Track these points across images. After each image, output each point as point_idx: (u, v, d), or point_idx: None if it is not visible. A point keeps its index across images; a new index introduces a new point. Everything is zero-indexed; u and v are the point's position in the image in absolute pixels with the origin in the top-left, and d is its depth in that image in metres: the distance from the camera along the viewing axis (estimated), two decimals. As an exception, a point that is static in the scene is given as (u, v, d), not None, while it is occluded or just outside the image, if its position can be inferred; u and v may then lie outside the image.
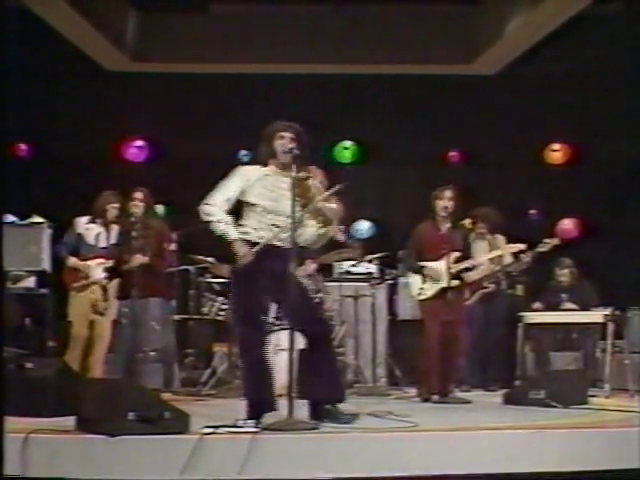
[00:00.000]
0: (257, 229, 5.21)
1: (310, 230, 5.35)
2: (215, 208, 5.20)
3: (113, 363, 7.42)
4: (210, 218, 5.20)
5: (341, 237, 5.37)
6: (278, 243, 5.16)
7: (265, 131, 5.34)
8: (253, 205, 5.23)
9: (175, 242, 7.70)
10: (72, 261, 7.47)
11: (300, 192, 5.14)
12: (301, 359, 5.09)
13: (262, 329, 5.30)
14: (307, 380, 5.12)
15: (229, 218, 5.22)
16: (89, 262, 7.43)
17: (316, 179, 5.27)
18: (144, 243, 7.22)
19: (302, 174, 5.16)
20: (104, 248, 7.49)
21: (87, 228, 7.52)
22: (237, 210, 5.31)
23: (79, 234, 7.53)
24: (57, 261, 7.90)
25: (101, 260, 7.44)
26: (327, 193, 5.22)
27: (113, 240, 7.54)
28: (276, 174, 5.27)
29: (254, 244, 5.15)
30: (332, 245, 7.61)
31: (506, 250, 7.96)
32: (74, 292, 7.46)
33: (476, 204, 8.54)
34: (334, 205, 5.26)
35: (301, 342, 5.22)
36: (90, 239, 7.51)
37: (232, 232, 5.16)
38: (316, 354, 5.21)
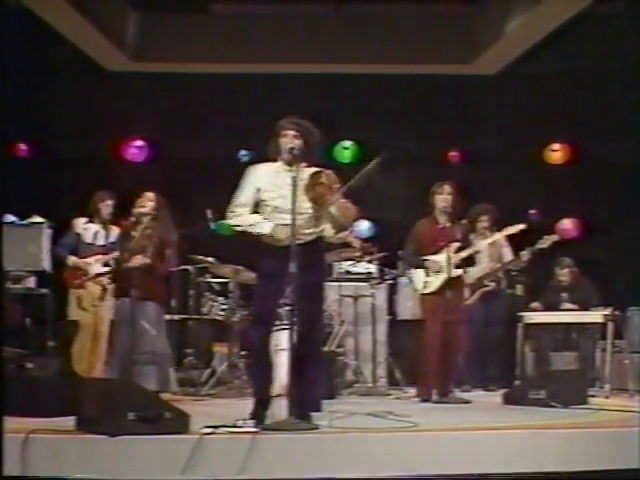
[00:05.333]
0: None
1: (326, 228, 5.32)
2: (241, 216, 5.26)
3: (111, 364, 7.40)
4: (242, 227, 5.27)
5: (355, 243, 5.33)
6: (298, 240, 5.09)
7: (274, 127, 5.33)
8: (265, 204, 5.25)
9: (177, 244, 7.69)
10: (72, 260, 7.55)
11: (312, 196, 5.11)
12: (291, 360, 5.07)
13: (272, 328, 5.33)
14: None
15: (256, 216, 5.26)
16: (88, 259, 7.48)
17: (328, 182, 5.16)
18: (146, 244, 7.21)
19: (314, 177, 5.13)
20: (102, 246, 7.54)
21: (85, 228, 7.59)
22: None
23: (78, 234, 7.59)
24: (57, 261, 7.91)
25: (99, 257, 7.49)
26: (336, 198, 5.12)
27: (112, 239, 7.56)
28: (285, 170, 5.24)
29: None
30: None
31: (507, 232, 7.93)
32: (74, 289, 7.51)
33: (476, 204, 8.54)
34: (349, 211, 5.15)
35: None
36: (88, 238, 7.57)
37: (266, 225, 5.19)
38: (304, 357, 5.17)
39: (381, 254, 8.39)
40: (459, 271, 7.25)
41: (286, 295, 5.28)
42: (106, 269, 7.50)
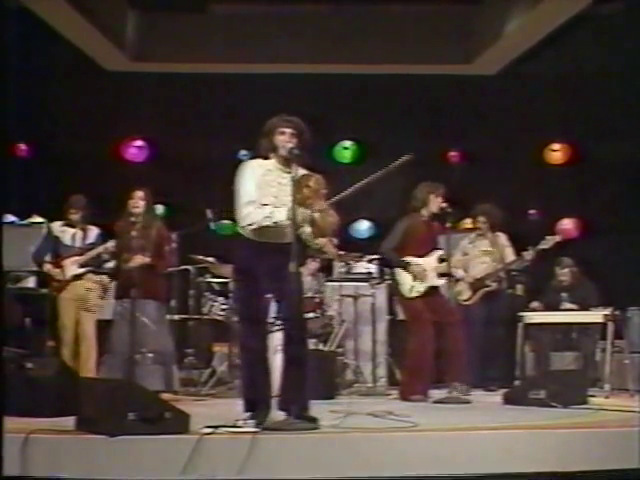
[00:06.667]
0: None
1: (307, 232, 5.28)
2: (254, 214, 5.09)
3: (110, 364, 7.39)
4: (257, 223, 5.09)
5: (332, 251, 5.23)
6: (281, 240, 5.08)
7: (266, 125, 5.25)
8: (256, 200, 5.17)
9: (175, 242, 7.69)
10: (46, 267, 7.53)
11: (299, 199, 5.08)
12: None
13: (263, 328, 5.29)
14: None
15: (267, 208, 5.09)
16: (64, 262, 7.46)
17: (316, 186, 5.10)
18: (144, 243, 7.21)
19: (303, 180, 5.09)
20: (81, 248, 7.52)
21: (62, 230, 7.57)
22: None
23: (56, 237, 7.57)
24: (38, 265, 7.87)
25: (75, 259, 7.46)
26: (323, 205, 5.07)
27: (90, 240, 7.55)
28: (278, 169, 5.20)
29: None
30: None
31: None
32: (55, 292, 7.50)
33: (475, 204, 8.54)
34: (331, 218, 5.08)
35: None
36: (67, 240, 7.55)
37: (280, 211, 5.03)
38: (288, 355, 5.12)
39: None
40: (441, 281, 7.18)
41: (271, 294, 5.25)
42: (82, 270, 7.48)
